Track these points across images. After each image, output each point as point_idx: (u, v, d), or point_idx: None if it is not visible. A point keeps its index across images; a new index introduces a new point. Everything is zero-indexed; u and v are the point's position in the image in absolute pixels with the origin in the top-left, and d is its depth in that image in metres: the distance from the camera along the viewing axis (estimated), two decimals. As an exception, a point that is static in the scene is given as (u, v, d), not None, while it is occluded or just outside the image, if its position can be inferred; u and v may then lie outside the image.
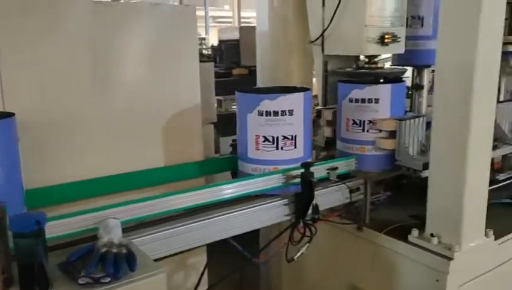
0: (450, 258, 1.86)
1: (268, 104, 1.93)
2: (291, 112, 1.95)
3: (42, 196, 1.72)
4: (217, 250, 1.95)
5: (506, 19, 2.62)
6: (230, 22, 21.55)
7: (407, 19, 2.45)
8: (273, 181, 1.94)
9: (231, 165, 2.30)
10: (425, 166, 2.05)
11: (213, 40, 6.57)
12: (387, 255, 2.10)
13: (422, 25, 2.48)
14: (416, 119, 2.16)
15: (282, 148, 1.97)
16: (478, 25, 1.70)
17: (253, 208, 1.84)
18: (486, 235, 1.98)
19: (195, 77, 2.17)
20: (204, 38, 9.58)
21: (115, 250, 1.30)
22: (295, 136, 1.98)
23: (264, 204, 1.86)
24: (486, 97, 1.83)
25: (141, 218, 1.66)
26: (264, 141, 1.96)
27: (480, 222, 1.96)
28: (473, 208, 1.90)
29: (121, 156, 1.97)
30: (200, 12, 26.01)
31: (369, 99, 2.17)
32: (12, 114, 1.52)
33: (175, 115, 2.11)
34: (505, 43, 2.67)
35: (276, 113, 1.93)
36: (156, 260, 1.62)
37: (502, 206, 2.37)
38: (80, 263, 1.30)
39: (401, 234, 2.06)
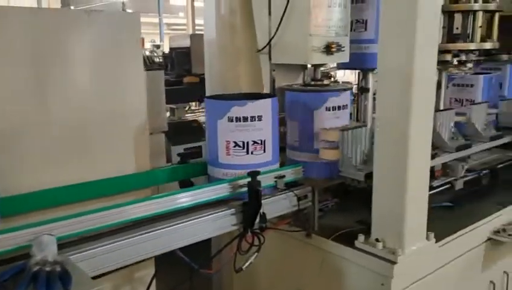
0: (393, 262, 1.90)
1: (238, 110, 2.00)
2: (260, 118, 2.02)
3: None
4: (166, 261, 1.91)
5: (443, 27, 2.76)
6: (184, 29, 21.45)
7: (351, 22, 2.52)
8: (220, 191, 1.92)
9: (179, 176, 2.27)
10: (368, 176, 2.05)
11: (168, 47, 6.52)
12: (334, 261, 2.13)
13: (365, 28, 2.55)
14: (359, 129, 2.18)
15: (252, 152, 2.04)
16: (415, 33, 1.76)
17: (199, 219, 1.81)
18: (427, 238, 2.04)
19: (140, 85, 2.12)
20: (158, 46, 9.48)
21: (48, 268, 1.24)
22: (264, 141, 2.06)
23: (210, 214, 1.84)
24: (424, 104, 1.89)
25: (81, 233, 1.60)
26: (234, 146, 2.03)
27: (421, 225, 2.02)
28: (414, 213, 1.95)
29: (65, 167, 1.89)
30: (155, 19, 25.81)
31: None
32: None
33: (118, 124, 2.05)
34: (443, 51, 2.81)
35: (245, 119, 2.00)
36: (100, 275, 1.57)
37: (442, 210, 2.46)
38: (11, 283, 1.23)
39: (349, 239, 2.09)
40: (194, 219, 1.79)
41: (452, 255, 2.22)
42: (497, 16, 2.79)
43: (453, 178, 2.62)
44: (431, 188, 2.52)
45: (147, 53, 5.72)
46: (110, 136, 2.04)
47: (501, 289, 2.58)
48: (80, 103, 1.94)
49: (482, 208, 2.52)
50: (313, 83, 2.36)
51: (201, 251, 2.11)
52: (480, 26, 2.70)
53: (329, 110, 2.19)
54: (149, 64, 5.01)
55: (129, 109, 2.09)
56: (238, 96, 2.23)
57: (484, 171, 2.82)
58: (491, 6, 2.73)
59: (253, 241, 1.94)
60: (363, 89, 2.72)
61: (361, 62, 2.57)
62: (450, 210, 2.49)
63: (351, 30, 2.53)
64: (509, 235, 2.37)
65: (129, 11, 26.14)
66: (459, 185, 2.64)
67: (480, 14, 2.69)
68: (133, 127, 2.13)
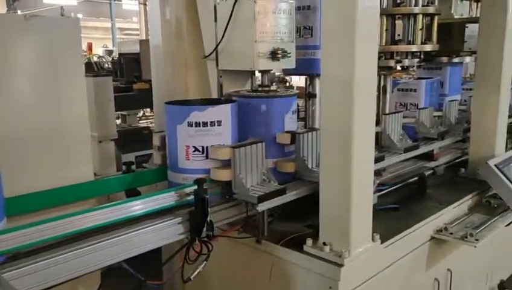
0: (340, 265, 1.93)
1: (198, 115, 2.01)
2: (219, 123, 2.04)
3: None
4: (113, 272, 1.85)
5: (386, 30, 2.85)
6: (138, 34, 21.09)
7: (298, 28, 2.55)
8: (166, 199, 1.89)
9: (125, 185, 2.21)
10: (262, 199, 1.94)
11: (120, 52, 6.37)
12: (284, 266, 2.14)
13: (311, 35, 2.59)
14: (254, 146, 2.02)
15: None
16: (354, 40, 1.81)
17: (144, 229, 1.76)
18: (373, 239, 2.09)
19: (81, 92, 2.05)
20: (111, 51, 9.26)
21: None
22: (223, 146, 2.05)
23: (155, 224, 1.79)
24: (366, 109, 1.94)
25: (19, 248, 1.51)
26: (194, 151, 2.03)
27: (367, 228, 2.07)
28: (359, 216, 2.00)
29: (5, 180, 1.79)
30: (107, 24, 25.16)
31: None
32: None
33: (58, 132, 1.97)
34: (387, 52, 2.90)
35: (205, 124, 2.02)
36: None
37: (387, 212, 2.53)
38: None
39: (298, 244, 2.10)
40: (138, 230, 1.74)
41: (397, 255, 2.29)
42: (436, 19, 2.91)
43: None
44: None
45: (95, 59, 5.57)
46: (50, 145, 1.97)
47: (445, 286, 2.68)
48: (17, 111, 1.85)
49: (426, 208, 2.62)
50: (260, 89, 2.37)
51: (152, 260, 2.08)
52: (421, 29, 2.82)
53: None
54: (97, 70, 4.87)
55: (70, 116, 2.01)
56: (198, 102, 2.23)
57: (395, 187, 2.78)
58: (430, 9, 2.85)
59: (201, 249, 1.91)
60: (310, 95, 2.76)
61: (308, 68, 2.61)
62: (395, 212, 2.56)
63: (298, 36, 2.57)
64: (451, 233, 2.47)
65: (79, 15, 25.50)
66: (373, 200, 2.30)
67: (420, 17, 2.81)
68: (74, 135, 2.05)
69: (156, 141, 2.33)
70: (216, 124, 2.02)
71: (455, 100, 3.55)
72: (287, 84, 9.08)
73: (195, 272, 1.93)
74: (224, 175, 2.01)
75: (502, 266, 3.50)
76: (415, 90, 3.39)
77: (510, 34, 3.00)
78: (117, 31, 25.64)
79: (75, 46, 1.99)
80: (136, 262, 1.79)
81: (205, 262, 1.95)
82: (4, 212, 1.60)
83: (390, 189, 2.69)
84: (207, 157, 2.04)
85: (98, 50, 12.84)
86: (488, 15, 3.02)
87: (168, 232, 1.83)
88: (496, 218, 2.65)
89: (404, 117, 3.03)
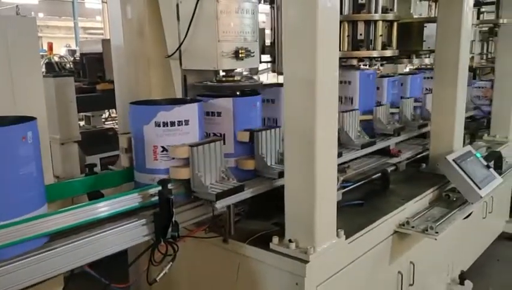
0: (306, 261, 1.96)
1: (165, 115, 1.99)
2: (187, 122, 2.03)
3: None
4: (77, 276, 1.81)
5: (348, 36, 2.91)
6: (102, 34, 20.64)
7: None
8: (130, 201, 1.86)
9: (88, 187, 2.16)
10: (219, 196, 1.96)
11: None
12: (251, 265, 2.15)
13: None
14: (212, 144, 2.05)
15: (179, 157, 2.01)
16: (316, 41, 1.84)
17: (108, 232, 1.73)
18: (337, 235, 2.13)
19: (38, 92, 1.99)
20: (74, 51, 9.01)
21: None
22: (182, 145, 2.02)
23: (119, 226, 1.77)
24: (328, 109, 1.97)
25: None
26: (162, 151, 2.01)
27: (331, 224, 2.10)
28: (324, 212, 2.03)
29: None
30: (70, 23, 24.49)
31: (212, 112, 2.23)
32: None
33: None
34: (349, 58, 2.97)
35: (173, 124, 2.00)
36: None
37: (352, 207, 2.58)
38: None
39: (264, 242, 2.12)
40: (101, 233, 1.71)
41: (362, 250, 2.34)
42: (395, 26, 3.00)
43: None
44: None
45: (56, 59, 5.42)
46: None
47: (408, 278, 2.76)
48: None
49: (389, 203, 2.68)
50: (224, 79, 2.38)
51: (120, 262, 2.04)
52: (381, 35, 2.90)
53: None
54: (59, 70, 4.74)
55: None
56: (163, 101, 2.20)
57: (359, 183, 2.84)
58: (390, 16, 2.94)
59: (166, 251, 1.90)
60: (271, 127, 2.75)
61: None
62: (359, 208, 2.61)
63: None
64: (413, 227, 2.54)
65: (40, 14, 24.71)
66: (337, 196, 2.40)
67: (380, 24, 2.88)
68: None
69: (122, 142, 2.28)
70: (184, 123, 2.01)
71: (410, 97, 3.66)
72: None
73: (161, 274, 1.92)
74: (183, 174, 2.00)
75: (462, 257, 3.64)
76: (377, 88, 3.47)
77: (466, 33, 3.12)
78: (80, 30, 25.03)
79: (31, 45, 1.93)
80: (103, 265, 1.78)
81: (171, 263, 1.94)
82: (45, 198, 1.69)
83: (354, 186, 2.74)
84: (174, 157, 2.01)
85: (61, 50, 12.50)
86: (445, 15, 3.13)
87: (132, 234, 1.81)
88: (454, 211, 2.75)
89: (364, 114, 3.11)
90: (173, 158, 2.01)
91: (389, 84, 3.49)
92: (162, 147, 2.01)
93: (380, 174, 2.97)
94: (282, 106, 2.21)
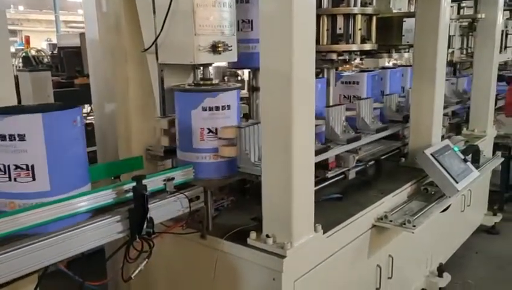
0: (283, 256, 1.96)
1: (211, 100, 2.20)
2: (229, 107, 2.25)
3: None
4: (51, 274, 1.77)
5: (327, 30, 2.90)
6: (83, 27, 20.30)
7: (239, 22, 2.53)
8: (104, 197, 1.83)
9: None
10: None
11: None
12: (229, 260, 2.14)
13: (252, 28, 2.58)
14: (256, 126, 2.23)
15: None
16: (292, 35, 1.83)
17: (81, 229, 1.70)
18: (315, 230, 2.13)
19: (9, 87, 1.94)
20: (56, 45, 8.84)
21: None
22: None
23: (93, 223, 1.74)
24: (305, 102, 1.96)
25: None
26: (208, 133, 2.22)
27: (309, 218, 2.10)
28: (301, 207, 2.03)
29: None
30: (51, 16, 24.07)
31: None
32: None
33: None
34: (328, 51, 2.96)
35: (217, 108, 2.22)
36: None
37: (331, 201, 2.59)
38: None
39: (242, 237, 2.11)
40: (74, 230, 1.68)
41: (340, 244, 2.35)
42: (374, 19, 3.00)
43: (346, 168, 2.78)
44: (326, 179, 2.66)
45: (34, 52, 5.30)
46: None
47: (387, 272, 2.78)
48: None
49: (367, 197, 2.70)
50: (202, 82, 2.34)
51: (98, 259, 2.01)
52: (360, 29, 2.89)
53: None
54: (36, 64, 4.64)
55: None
56: (206, 89, 2.28)
57: (370, 163, 3.02)
58: (369, 10, 2.93)
59: (142, 247, 1.88)
60: (253, 88, 2.77)
61: (250, 61, 2.59)
62: (338, 201, 2.62)
63: (238, 30, 2.55)
64: (391, 221, 2.56)
65: (20, 7, 24.18)
66: (351, 175, 2.83)
67: (359, 17, 2.88)
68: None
69: (163, 124, 2.40)
70: (226, 108, 2.23)
71: (394, 93, 3.67)
72: (239, 77, 9.05)
73: (136, 271, 1.89)
74: (231, 152, 2.21)
75: (440, 250, 3.68)
76: (357, 83, 3.47)
77: (444, 28, 3.14)
78: (62, 24, 24.59)
79: (0, 38, 1.87)
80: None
81: (147, 260, 1.91)
82: (89, 178, 1.86)
83: (365, 166, 2.90)
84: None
85: (42, 44, 12.27)
86: (424, 10, 3.15)
87: (106, 231, 1.78)
88: (432, 204, 2.78)
89: (347, 110, 3.11)
90: (220, 138, 2.22)
91: (369, 79, 3.49)
92: (209, 129, 2.21)
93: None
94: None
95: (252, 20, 2.56)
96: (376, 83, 3.61)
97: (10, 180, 1.64)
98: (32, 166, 1.64)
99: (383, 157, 3.22)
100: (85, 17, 2.54)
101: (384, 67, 4.12)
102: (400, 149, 3.50)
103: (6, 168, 1.64)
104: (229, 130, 2.22)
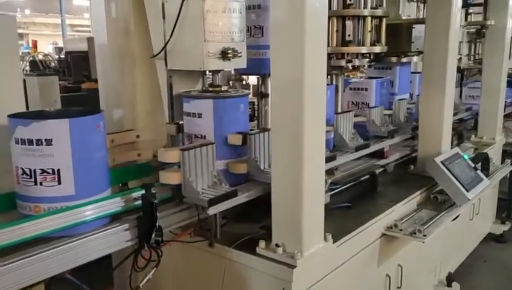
0: (293, 266, 1.93)
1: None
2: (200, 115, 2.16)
3: None
4: (58, 283, 1.75)
5: (337, 31, 2.87)
6: (90, 31, 20.42)
7: (249, 28, 2.51)
8: (112, 205, 1.81)
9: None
10: (212, 202, 1.90)
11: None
12: (237, 269, 2.11)
13: (262, 34, 2.55)
14: (204, 148, 1.99)
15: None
16: (304, 42, 1.80)
17: (89, 237, 1.68)
18: (325, 239, 2.10)
19: (18, 91, 1.93)
20: (62, 49, 8.87)
21: None
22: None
23: (101, 231, 1.72)
24: (316, 109, 1.94)
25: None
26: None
27: (319, 228, 2.07)
28: (311, 216, 1.99)
29: None
30: (57, 20, 24.24)
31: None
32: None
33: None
34: (338, 53, 2.93)
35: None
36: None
37: (340, 210, 2.55)
38: None
39: (251, 246, 2.08)
40: (82, 238, 1.66)
41: (350, 254, 2.32)
42: (384, 22, 2.97)
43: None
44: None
45: (41, 57, 5.31)
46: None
47: (396, 281, 2.74)
48: None
49: (377, 206, 2.67)
50: (210, 89, 2.32)
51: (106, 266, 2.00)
52: (370, 31, 2.86)
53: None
54: (43, 69, 4.64)
55: (5, 118, 1.88)
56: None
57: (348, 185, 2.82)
58: (379, 12, 2.90)
59: (150, 256, 1.85)
60: (262, 94, 2.74)
61: (259, 68, 2.57)
62: (348, 210, 2.59)
63: (249, 36, 2.53)
64: (401, 230, 2.52)
65: (27, 11, 24.34)
66: (326, 199, 2.40)
67: (369, 20, 2.85)
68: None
69: (172, 130, 2.30)
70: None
71: (404, 99, 3.65)
72: (244, 82, 9.02)
73: (145, 280, 1.87)
74: (173, 178, 1.96)
75: (449, 258, 3.64)
76: (366, 90, 3.45)
77: (454, 34, 3.11)
78: (68, 28, 24.73)
79: (10, 43, 1.86)
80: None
81: (155, 269, 1.89)
82: (109, 183, 1.87)
83: (342, 188, 2.72)
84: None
85: (48, 47, 12.32)
86: (434, 16, 3.12)
87: (114, 240, 1.76)
88: (442, 213, 2.74)
89: (356, 116, 3.08)
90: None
91: (377, 85, 3.47)
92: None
93: (368, 176, 2.95)
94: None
95: (262, 26, 2.54)
96: (385, 89, 3.59)
97: (36, 184, 1.68)
98: (58, 170, 1.67)
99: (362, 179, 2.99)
100: (94, 22, 2.54)
101: (370, 77, 4.06)
102: (385, 168, 3.31)
103: (32, 173, 1.67)
104: (172, 154, 1.95)
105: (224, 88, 2.36)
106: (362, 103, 3.45)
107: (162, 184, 1.98)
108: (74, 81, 4.38)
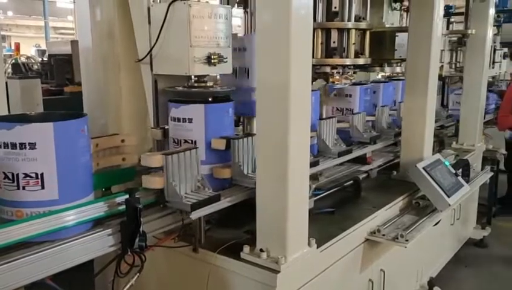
0: (277, 271, 1.93)
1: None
2: (190, 120, 2.17)
3: None
4: (40, 287, 1.72)
5: (321, 43, 2.91)
6: (73, 34, 20.22)
7: (235, 69, 2.48)
8: (95, 210, 1.79)
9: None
10: (195, 207, 1.91)
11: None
12: (221, 274, 2.10)
13: (248, 76, 2.52)
14: (187, 152, 2.00)
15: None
16: (289, 51, 1.82)
17: (71, 242, 1.66)
18: (309, 244, 2.11)
19: (0, 95, 1.91)
20: (45, 51, 8.77)
21: None
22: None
23: (83, 237, 1.70)
24: (301, 117, 1.95)
25: None
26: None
27: (303, 233, 2.08)
28: (296, 221, 2.01)
29: None
30: (40, 22, 23.95)
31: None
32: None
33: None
34: (322, 65, 2.97)
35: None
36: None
37: (324, 215, 2.57)
38: None
39: (235, 251, 2.08)
40: (64, 244, 1.64)
41: (333, 259, 2.33)
42: (368, 34, 3.02)
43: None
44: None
45: (23, 59, 5.24)
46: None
47: (379, 286, 2.77)
48: None
49: (360, 211, 2.69)
50: (196, 84, 2.32)
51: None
52: (354, 43, 2.91)
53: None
54: (26, 72, 4.58)
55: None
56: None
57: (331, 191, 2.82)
58: (362, 25, 2.96)
59: (133, 261, 1.84)
60: (248, 135, 2.68)
61: (245, 110, 2.51)
62: (331, 215, 2.61)
63: (235, 78, 2.52)
64: (383, 235, 2.55)
65: (9, 13, 23.97)
66: (310, 204, 2.32)
67: (353, 32, 2.90)
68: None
69: (157, 135, 2.32)
70: (187, 120, 2.04)
71: (386, 105, 3.69)
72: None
73: (127, 286, 1.85)
74: (156, 183, 1.95)
75: (430, 263, 3.69)
76: (350, 96, 3.49)
77: (436, 43, 3.17)
78: (51, 30, 24.46)
79: (-8, 47, 1.84)
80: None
81: (138, 274, 1.87)
82: (93, 187, 1.86)
83: (326, 193, 2.74)
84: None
85: (30, 50, 12.15)
86: (416, 25, 3.18)
87: (97, 245, 1.74)
88: (424, 218, 2.78)
89: (339, 122, 3.11)
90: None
91: (361, 92, 3.51)
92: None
93: (351, 181, 2.98)
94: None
95: (248, 69, 2.49)
96: (368, 96, 3.63)
97: (18, 188, 1.65)
98: (42, 174, 1.65)
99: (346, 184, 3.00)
100: (78, 25, 2.52)
101: (375, 81, 4.15)
102: (368, 173, 3.29)
103: (15, 177, 1.64)
104: (156, 158, 1.93)
105: (209, 84, 2.36)
106: (346, 109, 3.48)
107: (146, 189, 1.97)
108: (57, 85, 4.33)
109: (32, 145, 1.62)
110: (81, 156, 1.75)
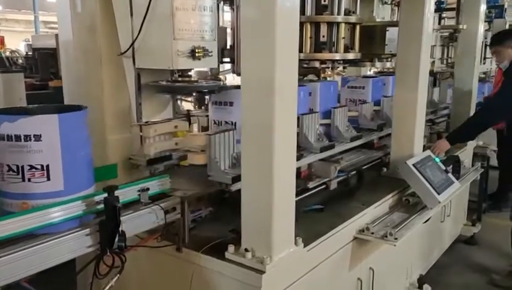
0: (262, 272, 1.87)
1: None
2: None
3: None
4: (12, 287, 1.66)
5: (310, 38, 2.85)
6: (62, 28, 19.93)
7: (220, 123, 2.51)
8: (72, 209, 1.72)
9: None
10: (236, 179, 2.12)
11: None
12: (205, 275, 2.05)
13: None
14: (227, 133, 2.20)
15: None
16: (274, 45, 1.75)
17: (47, 243, 1.59)
18: (296, 243, 2.05)
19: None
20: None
21: None
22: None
23: (59, 237, 1.63)
24: (287, 111, 1.89)
25: None
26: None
27: (289, 231, 2.03)
28: (281, 220, 1.95)
29: None
30: (30, 17, 23.65)
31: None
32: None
33: None
34: (311, 60, 2.92)
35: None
36: None
37: (312, 213, 2.52)
38: None
39: (220, 251, 2.02)
40: (39, 245, 1.57)
41: (321, 258, 2.28)
42: (358, 28, 2.97)
43: (327, 179, 2.72)
44: (307, 189, 2.59)
45: (8, 53, 5.13)
46: None
47: (367, 285, 2.73)
48: None
49: (349, 208, 2.64)
50: (180, 79, 2.28)
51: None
52: (343, 38, 2.85)
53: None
54: (9, 66, 4.47)
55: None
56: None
57: (352, 173, 2.96)
58: (352, 18, 2.90)
59: (113, 262, 1.77)
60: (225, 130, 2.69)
61: None
62: (320, 213, 2.55)
63: None
64: (372, 233, 2.50)
65: (-1, 7, 23.63)
66: (333, 185, 2.77)
67: (343, 26, 2.84)
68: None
69: (147, 133, 2.35)
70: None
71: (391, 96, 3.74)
72: (222, 83, 8.95)
73: (107, 287, 1.79)
74: (200, 159, 2.21)
75: (420, 261, 3.66)
76: (363, 88, 3.62)
77: (427, 37, 3.12)
78: (41, 25, 24.14)
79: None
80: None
81: (118, 275, 1.81)
82: (94, 179, 1.89)
83: (347, 175, 2.85)
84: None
85: (20, 44, 11.97)
86: (407, 20, 3.13)
87: (74, 245, 1.67)
88: (414, 216, 2.74)
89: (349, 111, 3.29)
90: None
91: (373, 84, 3.59)
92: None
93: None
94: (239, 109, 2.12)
95: (236, 123, 2.45)
96: (379, 88, 3.75)
97: (24, 180, 1.67)
98: (47, 166, 1.67)
99: (364, 167, 3.17)
100: (58, 17, 2.43)
101: (365, 76, 4.13)
102: (382, 159, 3.46)
103: (20, 169, 1.65)
104: (199, 138, 2.25)
105: (193, 78, 2.31)
106: (359, 100, 3.63)
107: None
108: (41, 79, 4.23)
109: (38, 137, 1.64)
110: (83, 148, 1.79)
